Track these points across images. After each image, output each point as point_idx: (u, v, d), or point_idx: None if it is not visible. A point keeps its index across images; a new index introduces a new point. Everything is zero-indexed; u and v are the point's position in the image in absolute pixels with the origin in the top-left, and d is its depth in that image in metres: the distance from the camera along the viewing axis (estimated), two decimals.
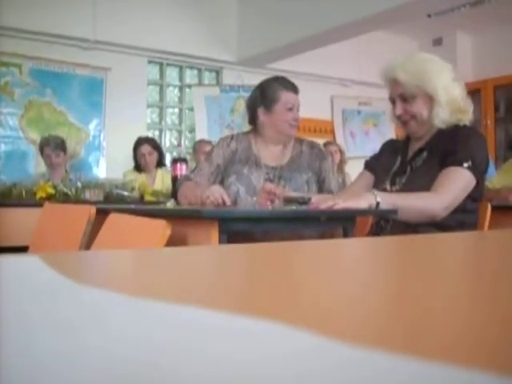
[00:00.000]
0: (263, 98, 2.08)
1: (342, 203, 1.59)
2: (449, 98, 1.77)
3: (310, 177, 2.07)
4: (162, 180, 4.27)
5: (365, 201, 1.64)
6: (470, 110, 1.82)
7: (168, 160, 5.64)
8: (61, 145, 4.12)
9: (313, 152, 2.12)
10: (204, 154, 4.48)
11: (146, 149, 4.38)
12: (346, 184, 4.67)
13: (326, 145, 5.07)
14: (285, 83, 2.09)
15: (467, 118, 1.82)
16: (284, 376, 0.16)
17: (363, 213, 1.70)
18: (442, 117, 1.77)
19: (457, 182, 1.69)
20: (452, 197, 1.68)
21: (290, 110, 2.06)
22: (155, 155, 4.42)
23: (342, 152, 5.25)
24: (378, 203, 1.64)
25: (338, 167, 5.03)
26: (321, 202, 1.62)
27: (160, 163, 4.48)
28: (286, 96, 2.06)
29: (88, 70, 5.12)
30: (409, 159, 1.87)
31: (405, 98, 1.81)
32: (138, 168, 4.44)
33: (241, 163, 2.06)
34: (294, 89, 2.09)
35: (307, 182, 2.05)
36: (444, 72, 1.79)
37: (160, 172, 4.40)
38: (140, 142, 4.43)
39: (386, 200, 1.65)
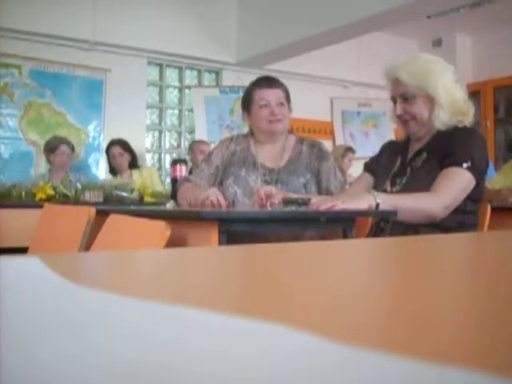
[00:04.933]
0: (243, 102, 2.12)
1: (341, 204, 1.58)
2: (450, 100, 1.77)
3: (309, 179, 2.03)
4: (139, 180, 4.30)
5: (364, 202, 1.64)
6: (470, 112, 1.82)
7: (168, 161, 5.65)
8: (72, 145, 4.33)
9: (312, 152, 2.08)
10: (200, 153, 4.54)
11: (116, 150, 4.53)
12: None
13: (346, 151, 5.44)
14: (258, 81, 2.08)
15: (468, 120, 1.82)
16: (282, 376, 0.16)
17: (363, 214, 1.70)
18: (443, 118, 1.77)
19: (456, 183, 1.69)
20: (452, 197, 1.68)
21: (265, 106, 2.02)
22: (126, 156, 4.55)
23: None
24: (377, 204, 1.64)
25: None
26: (320, 203, 1.62)
27: (132, 164, 4.60)
28: (258, 94, 2.04)
29: (88, 71, 5.12)
30: (409, 160, 1.87)
31: (406, 98, 1.81)
32: (112, 171, 4.60)
33: (239, 165, 2.06)
34: (266, 84, 2.06)
35: (305, 186, 2.02)
36: (446, 73, 1.79)
37: (136, 172, 4.48)
38: (111, 144, 4.59)
39: (386, 201, 1.65)
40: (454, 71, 1.82)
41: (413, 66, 1.79)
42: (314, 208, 1.63)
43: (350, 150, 5.56)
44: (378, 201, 1.64)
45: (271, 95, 2.03)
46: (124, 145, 4.58)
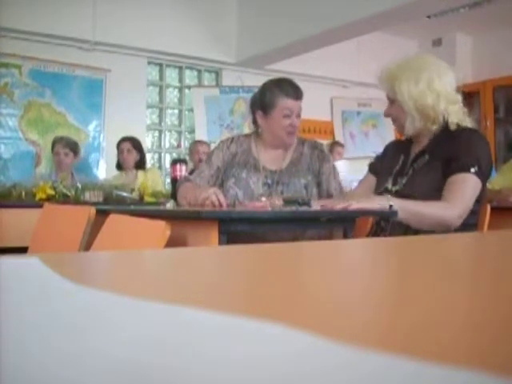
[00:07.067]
0: (262, 101, 2.04)
1: (356, 204, 1.61)
2: (416, 106, 1.77)
3: (310, 180, 2.03)
4: (144, 181, 4.27)
5: (378, 202, 1.66)
6: (440, 118, 1.80)
7: (168, 161, 5.65)
8: (72, 145, 4.27)
9: (314, 153, 2.08)
10: (199, 154, 4.53)
11: (125, 146, 4.47)
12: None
13: (332, 145, 5.56)
14: (285, 89, 2.02)
15: (436, 126, 1.81)
16: (284, 377, 0.16)
17: (363, 213, 1.71)
18: (412, 124, 1.80)
19: (467, 190, 1.69)
20: (465, 205, 1.68)
21: (288, 116, 2.00)
22: (134, 154, 4.48)
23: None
24: (390, 206, 1.65)
25: None
26: (335, 203, 1.65)
27: (140, 165, 4.52)
28: (283, 102, 1.99)
29: (88, 71, 5.12)
30: (411, 161, 1.87)
31: (389, 100, 1.88)
32: (119, 167, 4.54)
33: (240, 167, 2.05)
34: (294, 95, 2.01)
35: (306, 187, 2.01)
36: (419, 79, 1.77)
37: (141, 173, 4.44)
38: (122, 140, 4.53)
39: (399, 205, 1.66)
40: (442, 72, 1.79)
41: (390, 71, 1.85)
42: (328, 208, 1.65)
43: (336, 143, 5.65)
44: (391, 203, 1.65)
45: (295, 106, 2.01)
46: (134, 142, 4.53)
